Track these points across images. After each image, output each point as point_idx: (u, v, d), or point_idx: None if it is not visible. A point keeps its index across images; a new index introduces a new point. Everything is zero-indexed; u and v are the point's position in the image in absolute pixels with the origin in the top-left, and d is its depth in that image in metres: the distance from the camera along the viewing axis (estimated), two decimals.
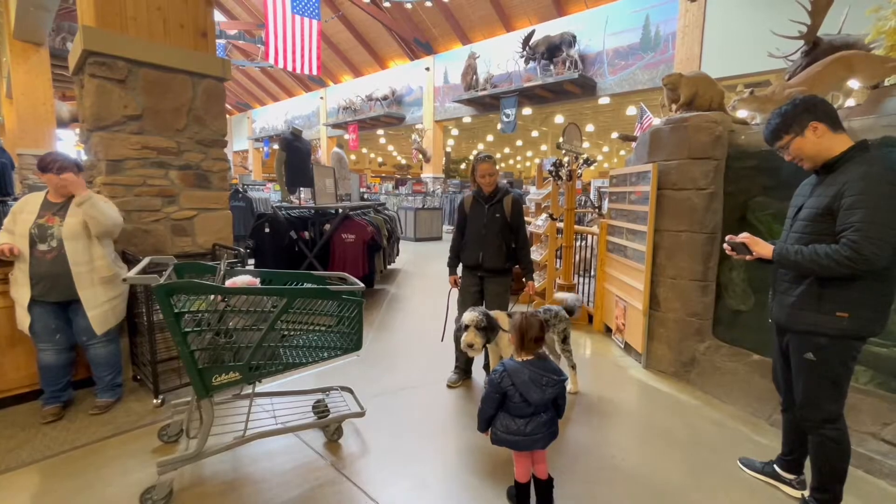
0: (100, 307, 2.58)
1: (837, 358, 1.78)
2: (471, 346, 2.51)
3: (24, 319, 2.53)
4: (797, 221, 1.89)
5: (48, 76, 7.09)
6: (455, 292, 3.24)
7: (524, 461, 1.90)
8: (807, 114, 1.79)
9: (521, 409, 1.82)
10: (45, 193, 2.62)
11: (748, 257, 1.93)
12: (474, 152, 23.14)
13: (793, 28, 3.36)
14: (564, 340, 3.09)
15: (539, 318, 1.97)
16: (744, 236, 1.95)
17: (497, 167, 3.09)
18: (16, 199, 4.58)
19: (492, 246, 3.05)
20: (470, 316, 2.53)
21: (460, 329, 2.58)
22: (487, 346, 2.93)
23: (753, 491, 2.16)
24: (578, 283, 5.30)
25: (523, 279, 3.20)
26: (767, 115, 1.99)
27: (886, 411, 2.37)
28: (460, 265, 3.24)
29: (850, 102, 3.09)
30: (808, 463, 2.01)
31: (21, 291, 2.50)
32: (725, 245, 2.00)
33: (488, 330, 2.55)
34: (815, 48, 3.33)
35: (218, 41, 4.35)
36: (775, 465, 2.20)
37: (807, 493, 2.02)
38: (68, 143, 13.53)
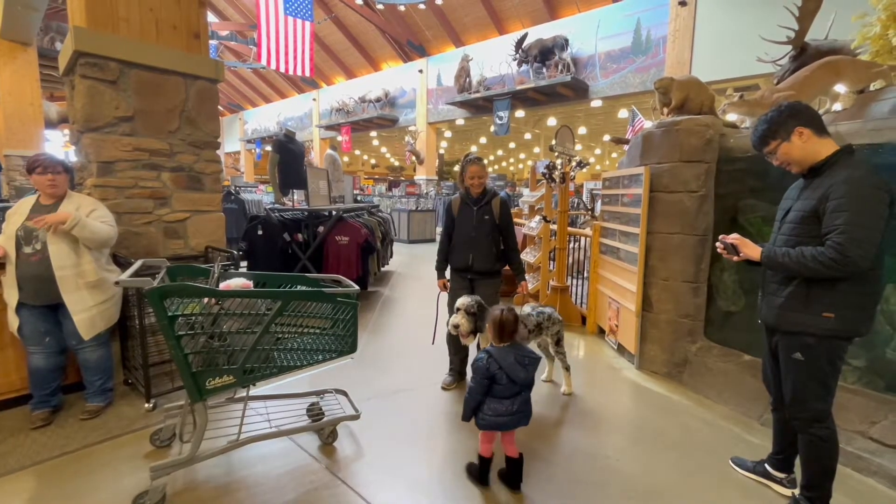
0: (86, 311, 2.54)
1: (825, 358, 1.81)
2: (456, 327, 2.54)
3: (13, 322, 2.50)
4: (785, 224, 1.93)
5: (36, 76, 6.99)
6: (444, 296, 3.24)
7: (489, 439, 2.11)
8: (792, 119, 1.83)
9: (507, 391, 1.99)
10: (37, 196, 2.60)
11: (736, 258, 1.96)
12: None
13: (781, 33, 3.42)
14: (558, 343, 3.10)
15: (514, 311, 2.11)
16: (733, 237, 1.98)
17: (485, 169, 3.08)
18: (3, 201, 4.52)
19: (481, 248, 3.04)
20: (463, 300, 2.59)
21: (455, 327, 2.58)
22: (480, 344, 2.94)
23: (745, 490, 2.19)
24: (572, 284, 5.33)
25: (516, 281, 3.21)
26: (756, 119, 2.03)
27: (874, 410, 2.41)
28: (448, 268, 3.23)
29: (837, 107, 3.15)
30: (798, 461, 2.04)
31: (9, 294, 2.48)
32: (718, 244, 2.03)
33: (478, 318, 2.57)
34: (803, 53, 3.39)
35: (209, 42, 4.32)
36: (766, 464, 2.23)
37: (797, 491, 2.05)
38: (56, 144, 13.35)
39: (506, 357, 2.00)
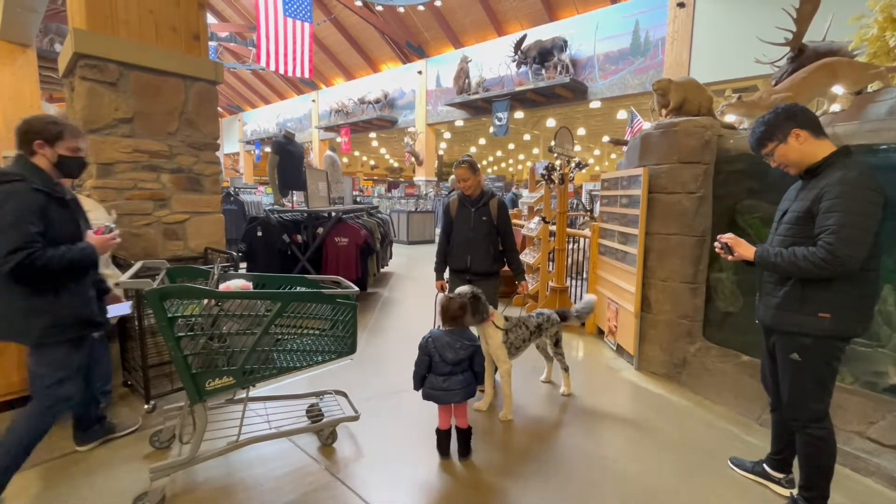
0: None
1: (822, 358, 1.82)
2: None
3: None
4: (781, 224, 1.94)
5: (35, 78, 6.98)
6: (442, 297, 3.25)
7: (446, 413, 2.39)
8: (789, 121, 1.84)
9: (440, 368, 2.28)
10: None
11: (730, 257, 1.98)
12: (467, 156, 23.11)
13: (779, 35, 3.44)
14: (556, 343, 3.11)
15: (460, 300, 2.41)
16: (728, 237, 1.99)
17: (476, 171, 3.02)
18: None
19: (479, 249, 3.04)
20: (460, 289, 2.61)
21: None
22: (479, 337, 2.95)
23: (744, 490, 2.19)
24: (571, 285, 5.34)
25: (515, 281, 3.21)
26: (754, 121, 2.04)
27: (871, 410, 2.42)
28: (447, 269, 3.23)
29: (835, 108, 3.16)
30: (796, 462, 2.04)
31: None
32: (716, 244, 2.04)
33: (473, 308, 2.55)
34: (801, 55, 3.41)
35: (209, 44, 4.33)
36: (765, 465, 2.23)
37: (795, 491, 2.06)
38: None
39: (441, 338, 2.30)
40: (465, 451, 2.40)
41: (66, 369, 1.98)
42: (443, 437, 2.40)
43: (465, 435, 2.40)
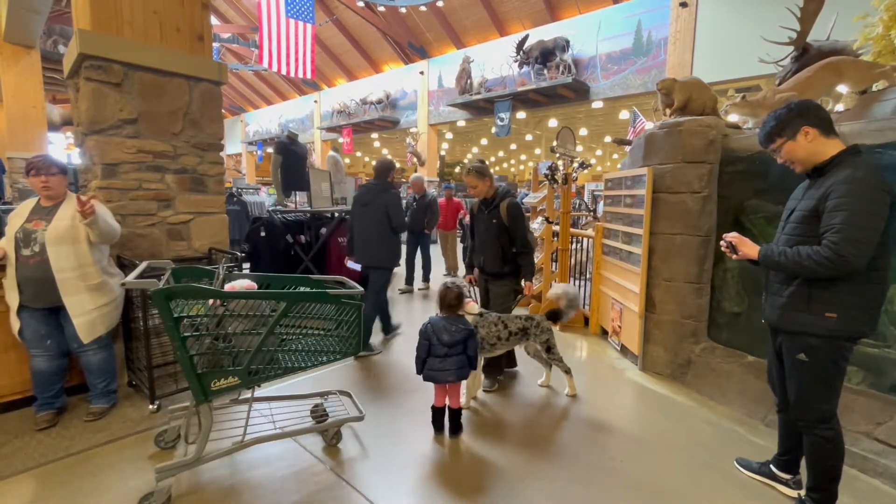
0: (86, 315, 2.54)
1: (829, 358, 1.81)
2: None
3: (14, 324, 2.51)
4: (788, 223, 1.93)
5: (39, 79, 7.02)
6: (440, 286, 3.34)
7: (441, 392, 2.61)
8: (800, 118, 1.83)
9: (438, 350, 2.50)
10: (38, 198, 2.60)
11: (735, 256, 1.97)
12: (468, 156, 23.17)
13: (782, 34, 3.43)
14: (549, 350, 3.09)
15: (456, 290, 2.63)
16: (732, 235, 1.98)
17: (483, 177, 3.12)
18: (6, 204, 4.53)
19: (490, 250, 3.13)
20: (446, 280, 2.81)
21: None
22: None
23: (750, 491, 2.18)
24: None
25: (521, 281, 3.21)
26: (759, 120, 2.04)
27: (879, 411, 2.41)
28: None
29: (840, 107, 3.15)
30: (803, 463, 2.03)
31: (10, 296, 2.49)
32: (721, 243, 2.03)
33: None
34: (805, 54, 3.40)
35: (212, 44, 4.34)
36: (771, 466, 2.22)
37: (803, 492, 2.05)
38: (59, 147, 13.40)
39: (438, 323, 2.54)
40: (455, 428, 2.61)
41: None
42: (437, 413, 2.62)
43: (456, 415, 2.62)
